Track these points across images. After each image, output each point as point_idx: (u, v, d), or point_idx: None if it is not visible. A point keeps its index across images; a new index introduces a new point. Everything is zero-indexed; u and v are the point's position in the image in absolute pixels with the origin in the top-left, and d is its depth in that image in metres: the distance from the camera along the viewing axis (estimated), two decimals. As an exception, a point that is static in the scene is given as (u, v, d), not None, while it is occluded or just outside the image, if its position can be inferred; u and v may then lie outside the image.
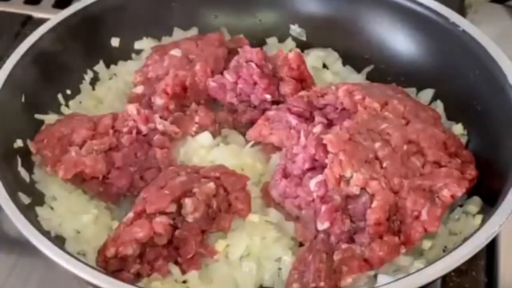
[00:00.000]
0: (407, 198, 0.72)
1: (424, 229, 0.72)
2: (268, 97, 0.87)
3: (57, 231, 0.77)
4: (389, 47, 0.98)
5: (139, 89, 0.92)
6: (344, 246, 0.71)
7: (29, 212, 0.72)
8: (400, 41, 0.97)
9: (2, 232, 0.86)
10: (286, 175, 0.79)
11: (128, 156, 0.81)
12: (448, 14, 0.90)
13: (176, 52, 0.93)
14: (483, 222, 0.69)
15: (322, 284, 0.69)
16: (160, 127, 0.84)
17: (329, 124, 0.82)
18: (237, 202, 0.77)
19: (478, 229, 0.67)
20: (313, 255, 0.72)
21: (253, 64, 0.86)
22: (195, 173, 0.77)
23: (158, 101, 0.87)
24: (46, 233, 0.70)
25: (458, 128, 0.87)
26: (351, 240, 0.72)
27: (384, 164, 0.73)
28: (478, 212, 0.76)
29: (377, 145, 0.75)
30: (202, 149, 0.86)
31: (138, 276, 0.71)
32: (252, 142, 0.86)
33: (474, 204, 0.77)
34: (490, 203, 0.73)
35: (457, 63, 0.89)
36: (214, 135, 0.88)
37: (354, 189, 0.71)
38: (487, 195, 0.76)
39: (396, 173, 0.73)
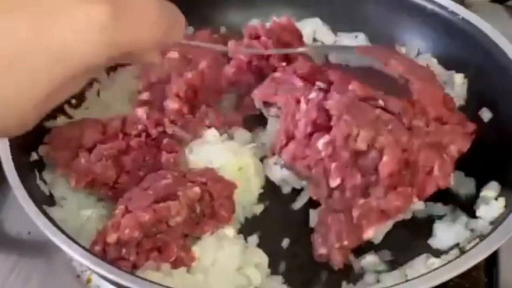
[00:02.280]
0: (418, 155, 0.74)
1: (437, 185, 0.74)
2: (284, 64, 0.89)
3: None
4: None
5: (145, 96, 0.92)
6: (361, 201, 0.73)
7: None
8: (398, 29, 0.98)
9: (2, 232, 0.86)
10: (289, 137, 0.81)
11: (137, 160, 0.81)
12: (446, 4, 0.92)
13: (173, 54, 0.93)
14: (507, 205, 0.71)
15: (345, 242, 0.73)
16: (169, 131, 0.84)
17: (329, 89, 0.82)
18: (221, 209, 0.76)
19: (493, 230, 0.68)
20: (331, 218, 0.75)
21: (264, 38, 0.88)
22: (182, 177, 0.77)
23: (171, 105, 0.87)
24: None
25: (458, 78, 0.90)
26: (366, 194, 0.74)
27: (390, 126, 0.75)
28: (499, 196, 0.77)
29: (378, 111, 0.76)
30: (207, 145, 0.86)
31: (134, 267, 0.71)
32: (253, 144, 0.86)
33: (493, 189, 0.78)
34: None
35: (457, 50, 0.91)
36: (220, 133, 0.88)
37: (362, 146, 0.73)
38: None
39: (402, 133, 0.74)
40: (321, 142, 0.76)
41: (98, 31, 0.38)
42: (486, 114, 0.86)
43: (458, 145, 0.76)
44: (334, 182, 0.75)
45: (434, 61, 0.95)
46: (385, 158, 0.72)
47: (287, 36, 0.91)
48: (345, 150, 0.74)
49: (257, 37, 0.89)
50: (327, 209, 0.76)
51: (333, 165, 0.75)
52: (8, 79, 0.37)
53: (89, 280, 0.81)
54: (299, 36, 0.93)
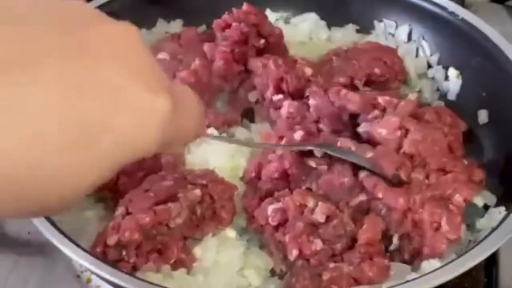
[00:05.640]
0: (423, 212, 0.71)
1: (447, 240, 0.70)
2: (262, 41, 0.91)
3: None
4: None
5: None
6: (332, 265, 0.69)
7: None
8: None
9: (2, 232, 0.86)
10: (258, 173, 0.79)
11: (136, 161, 0.80)
12: (446, 4, 0.91)
13: (163, 56, 0.93)
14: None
15: None
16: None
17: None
18: (221, 211, 0.76)
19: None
20: (296, 278, 0.70)
21: (235, 24, 0.89)
22: (183, 179, 0.77)
23: None
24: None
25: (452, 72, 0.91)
26: (339, 258, 0.70)
27: (380, 195, 0.72)
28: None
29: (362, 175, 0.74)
30: (204, 145, 0.85)
31: (134, 269, 0.71)
32: (250, 149, 0.85)
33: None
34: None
35: (457, 51, 0.91)
36: (220, 132, 0.88)
37: (320, 218, 0.70)
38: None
39: (400, 194, 0.71)
40: (270, 208, 0.73)
41: (161, 121, 0.39)
42: (483, 115, 0.85)
43: (464, 194, 0.72)
44: (292, 255, 0.70)
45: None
46: (365, 225, 0.70)
47: (254, 17, 0.91)
48: (299, 220, 0.71)
49: (228, 26, 0.90)
50: (292, 274, 0.71)
51: (287, 237, 0.71)
52: (73, 158, 0.35)
53: (89, 280, 0.81)
54: (264, 16, 0.94)
